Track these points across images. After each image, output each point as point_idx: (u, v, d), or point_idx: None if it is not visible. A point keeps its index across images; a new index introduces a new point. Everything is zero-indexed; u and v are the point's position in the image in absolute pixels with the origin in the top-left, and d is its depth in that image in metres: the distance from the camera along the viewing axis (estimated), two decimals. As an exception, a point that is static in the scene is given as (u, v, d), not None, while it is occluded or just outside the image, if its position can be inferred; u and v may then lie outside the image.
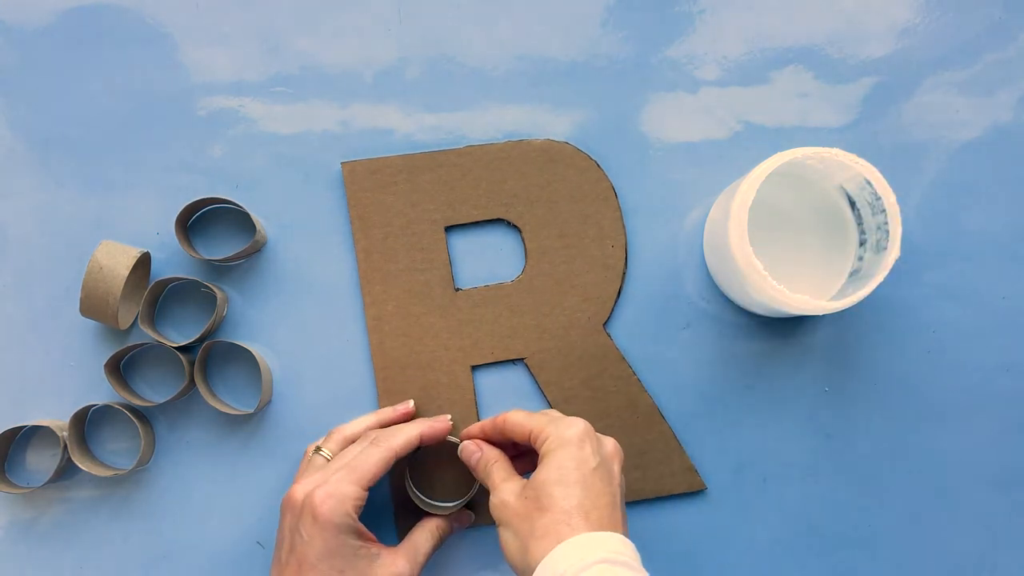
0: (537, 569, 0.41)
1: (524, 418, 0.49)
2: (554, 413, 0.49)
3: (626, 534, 0.45)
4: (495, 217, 0.57)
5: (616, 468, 0.46)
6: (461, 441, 0.52)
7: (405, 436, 0.49)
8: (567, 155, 0.58)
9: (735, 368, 0.58)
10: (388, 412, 0.54)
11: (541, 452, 0.46)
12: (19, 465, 0.56)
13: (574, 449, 0.45)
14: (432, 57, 0.59)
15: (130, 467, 0.54)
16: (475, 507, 0.55)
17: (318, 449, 0.51)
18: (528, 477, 0.47)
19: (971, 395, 0.57)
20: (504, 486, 0.47)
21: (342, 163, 0.57)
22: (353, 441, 0.51)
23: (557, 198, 0.57)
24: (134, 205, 0.58)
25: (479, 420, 0.56)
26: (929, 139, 0.59)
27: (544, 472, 0.44)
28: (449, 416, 0.53)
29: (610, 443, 0.47)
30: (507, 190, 0.57)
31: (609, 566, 0.40)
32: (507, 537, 0.45)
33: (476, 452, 0.50)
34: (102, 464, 0.56)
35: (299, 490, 0.47)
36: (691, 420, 0.57)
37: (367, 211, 0.57)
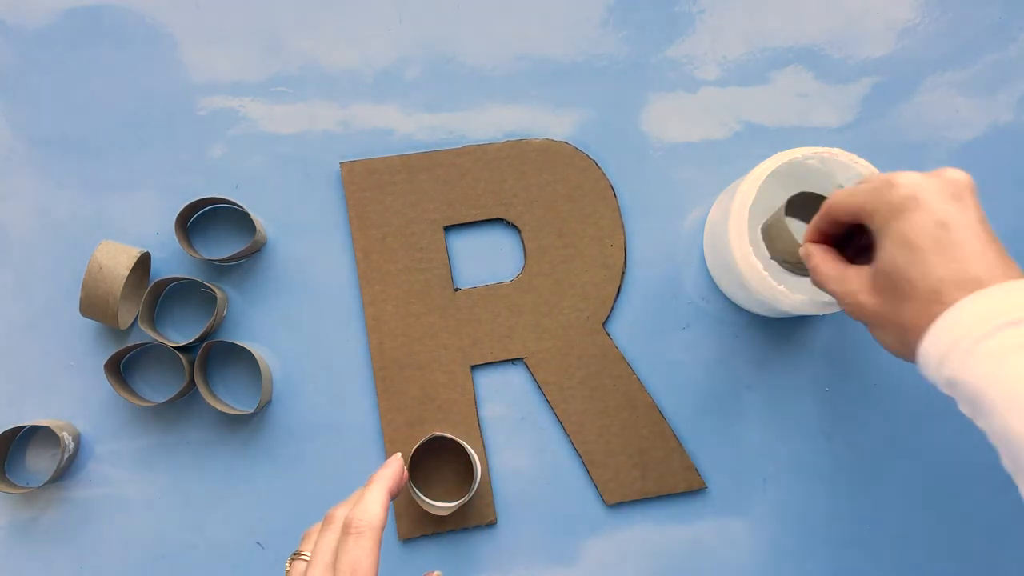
0: (921, 350, 0.36)
1: (846, 196, 0.40)
2: (877, 177, 0.40)
3: (1018, 271, 0.36)
4: (494, 217, 0.57)
5: (969, 198, 0.38)
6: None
7: (381, 507, 0.41)
8: (566, 155, 0.58)
9: (735, 368, 0.58)
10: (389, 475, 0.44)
11: (876, 232, 0.39)
12: (19, 465, 0.56)
13: (909, 214, 0.37)
14: (432, 57, 0.59)
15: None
16: (475, 507, 0.55)
17: (298, 555, 0.43)
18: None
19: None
20: (846, 286, 0.40)
21: (341, 163, 0.57)
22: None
23: (556, 198, 0.57)
24: (134, 205, 0.58)
25: (478, 420, 0.56)
26: (929, 139, 0.59)
27: (887, 254, 0.38)
28: (399, 454, 0.46)
29: (950, 175, 0.38)
30: (506, 190, 0.57)
31: (1015, 329, 0.33)
32: (878, 335, 0.40)
33: (809, 255, 0.43)
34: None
35: None
36: (691, 420, 0.57)
37: (366, 211, 0.57)
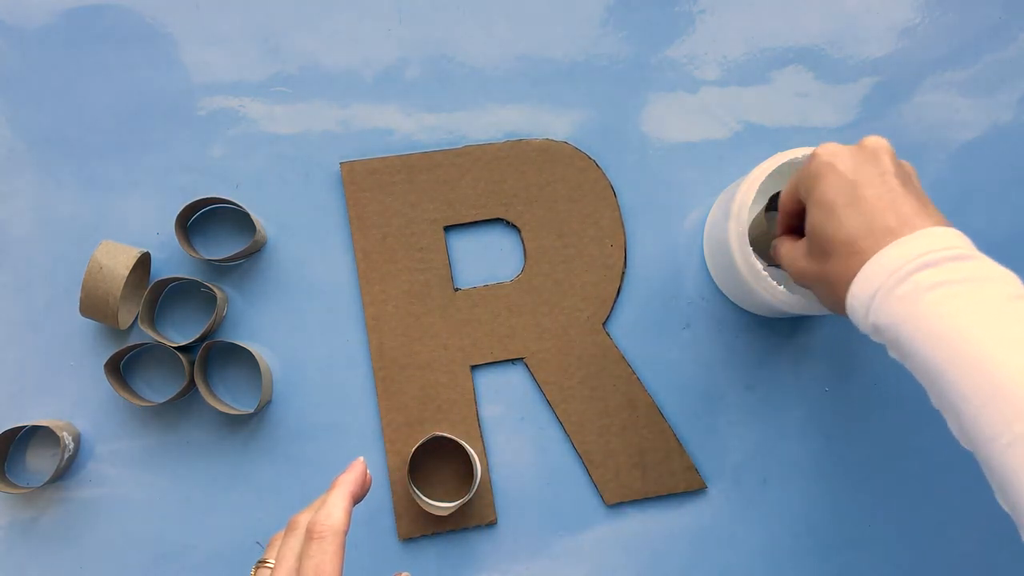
0: (847, 305, 0.39)
1: (790, 180, 0.44)
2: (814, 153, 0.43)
3: (938, 219, 0.39)
4: (494, 217, 0.57)
5: (885, 158, 0.40)
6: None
7: (343, 511, 0.41)
8: (566, 155, 0.58)
9: (735, 368, 0.57)
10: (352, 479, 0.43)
11: (805, 203, 0.42)
12: (19, 465, 0.56)
13: (824, 179, 0.40)
14: (432, 57, 0.59)
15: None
16: (475, 507, 0.55)
17: (262, 563, 0.43)
18: None
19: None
20: (788, 255, 0.44)
21: (341, 163, 0.57)
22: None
23: (556, 198, 0.57)
24: (134, 205, 0.58)
25: (478, 420, 0.56)
26: (929, 139, 0.59)
27: (810, 218, 0.41)
28: (361, 458, 0.44)
29: (867, 142, 0.41)
30: (506, 190, 0.57)
31: (927, 271, 0.36)
32: (819, 295, 0.43)
33: (776, 247, 0.47)
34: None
35: None
36: (691, 420, 0.57)
37: (366, 211, 0.57)
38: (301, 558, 0.39)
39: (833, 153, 0.41)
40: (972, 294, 0.36)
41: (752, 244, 0.49)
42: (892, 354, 0.39)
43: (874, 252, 0.38)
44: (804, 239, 0.43)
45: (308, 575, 0.38)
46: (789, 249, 0.45)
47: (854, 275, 0.38)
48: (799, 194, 0.43)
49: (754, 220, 0.50)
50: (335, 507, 0.41)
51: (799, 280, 0.44)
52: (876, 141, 0.41)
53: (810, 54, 0.60)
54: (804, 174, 0.42)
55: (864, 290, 0.38)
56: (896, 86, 0.59)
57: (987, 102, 0.59)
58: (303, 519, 0.41)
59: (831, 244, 0.40)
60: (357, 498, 0.42)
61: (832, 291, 0.40)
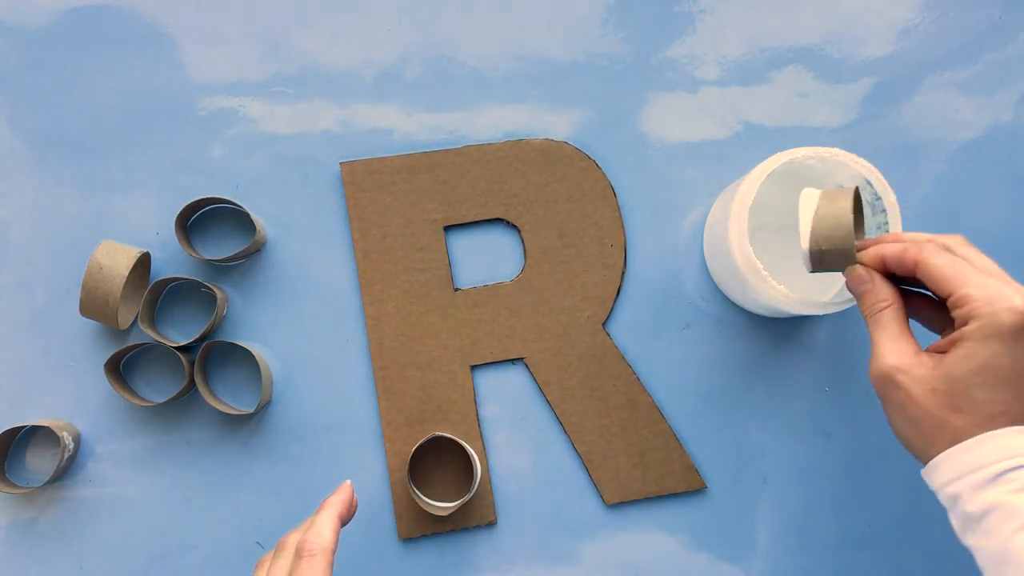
0: (941, 456, 0.37)
1: (946, 270, 0.38)
2: (984, 264, 0.39)
3: None
4: (494, 217, 0.57)
5: None
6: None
7: (331, 531, 0.43)
8: (566, 155, 0.58)
9: (735, 368, 0.57)
10: (340, 500, 0.46)
11: (963, 332, 0.37)
12: (19, 465, 0.56)
13: (1010, 342, 0.36)
14: (432, 57, 0.59)
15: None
16: (475, 507, 0.55)
17: None
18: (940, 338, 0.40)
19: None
20: (894, 353, 0.39)
21: (341, 163, 0.57)
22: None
23: (556, 198, 0.57)
24: (134, 205, 0.58)
25: (478, 420, 0.56)
26: (929, 139, 0.59)
27: (965, 364, 0.37)
28: (349, 481, 0.47)
29: None
30: (506, 190, 0.57)
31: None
32: (899, 421, 0.40)
33: (866, 283, 0.41)
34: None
35: None
36: (691, 420, 0.57)
37: (366, 211, 0.57)
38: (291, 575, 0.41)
39: (1021, 328, 0.36)
40: None
41: (815, 217, 0.43)
42: (953, 521, 0.39)
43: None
44: (930, 360, 0.38)
45: None
46: (906, 351, 0.39)
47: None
48: (957, 306, 0.38)
49: (832, 201, 0.43)
50: (324, 527, 0.43)
51: (888, 389, 0.39)
52: None
53: (810, 54, 0.60)
54: (989, 314, 0.36)
55: (973, 459, 0.36)
56: (896, 86, 0.59)
57: (987, 102, 0.59)
58: (292, 539, 0.43)
59: (975, 407, 0.36)
60: (344, 519, 0.45)
61: (934, 437, 0.38)
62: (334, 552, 0.42)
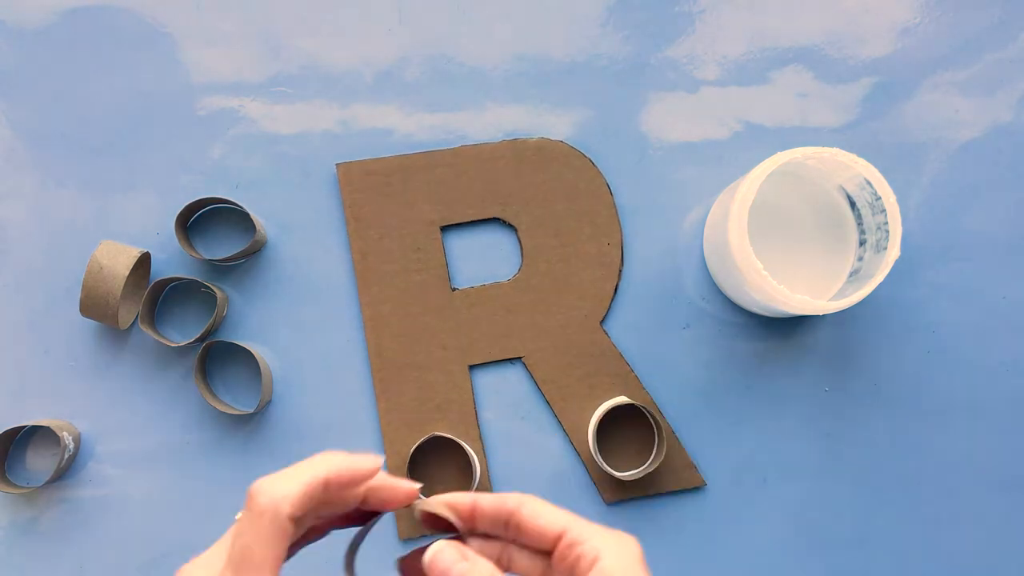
0: None
1: (551, 513, 0.34)
2: (580, 524, 0.34)
3: None
4: (491, 216, 0.57)
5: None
6: (419, 511, 0.35)
7: (299, 486, 0.31)
8: (562, 153, 0.58)
9: (735, 368, 0.57)
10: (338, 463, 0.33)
11: (600, 566, 0.31)
12: (19, 465, 0.56)
13: (646, 570, 0.32)
14: (432, 57, 0.59)
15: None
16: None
17: None
18: None
19: (971, 395, 0.57)
20: None
21: (337, 164, 0.57)
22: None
23: (552, 196, 0.57)
24: (134, 205, 0.58)
25: (477, 420, 0.56)
26: (929, 139, 0.59)
27: None
28: (379, 456, 0.34)
29: (635, 551, 0.33)
30: (502, 189, 0.57)
31: None
32: None
33: (459, 562, 0.32)
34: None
35: None
36: (691, 420, 0.57)
37: (362, 212, 0.57)
38: (234, 532, 0.31)
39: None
40: None
41: None
42: None
43: None
44: None
45: (234, 555, 0.30)
46: None
47: None
48: (554, 555, 0.33)
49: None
50: (288, 478, 0.31)
51: None
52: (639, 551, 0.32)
53: (810, 54, 0.60)
54: (583, 566, 0.31)
55: None
56: (896, 86, 0.59)
57: (987, 102, 0.59)
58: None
59: None
60: (336, 485, 0.32)
61: None
62: (291, 518, 0.30)
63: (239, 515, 0.31)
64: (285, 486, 0.30)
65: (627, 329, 0.57)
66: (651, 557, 0.58)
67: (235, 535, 0.30)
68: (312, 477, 0.31)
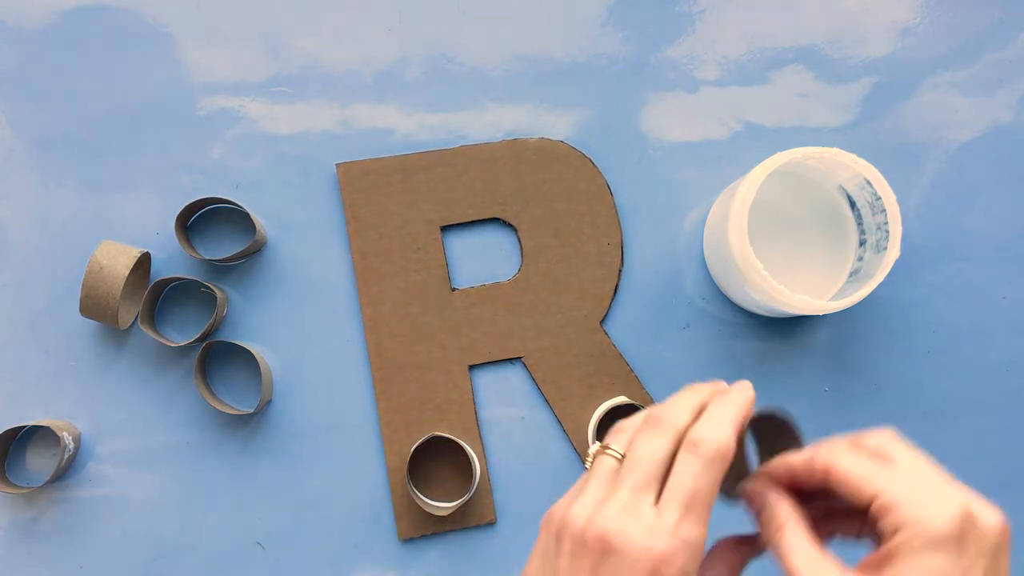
0: None
1: (863, 475, 0.32)
2: (911, 464, 0.33)
3: None
4: (490, 216, 0.57)
5: (1005, 562, 0.32)
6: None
7: (731, 430, 0.32)
8: (562, 153, 0.58)
9: (735, 368, 0.57)
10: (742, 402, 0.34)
11: (891, 545, 0.31)
12: (19, 465, 0.56)
13: (952, 554, 0.30)
14: (432, 57, 0.59)
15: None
16: (474, 507, 0.55)
17: (605, 448, 0.35)
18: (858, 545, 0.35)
19: (971, 395, 0.57)
20: (811, 568, 0.32)
21: (337, 164, 0.57)
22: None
23: (552, 196, 0.57)
24: (134, 205, 0.58)
25: (477, 420, 0.56)
26: (929, 139, 0.59)
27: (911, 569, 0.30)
28: (749, 383, 0.35)
29: (994, 523, 0.32)
30: (502, 189, 0.57)
31: None
32: None
33: (758, 500, 0.35)
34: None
35: (604, 519, 0.31)
36: (691, 420, 0.57)
37: (362, 212, 0.57)
38: (676, 470, 0.31)
39: (965, 530, 0.31)
40: None
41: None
42: None
43: None
44: (845, 571, 0.32)
45: (681, 494, 0.31)
46: (800, 543, 0.33)
47: None
48: (879, 515, 0.32)
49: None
50: (724, 424, 0.32)
51: None
52: (1000, 527, 0.32)
53: (810, 54, 0.60)
54: (919, 522, 0.30)
55: None
56: (896, 86, 0.59)
57: (987, 102, 0.59)
58: (669, 417, 0.33)
59: None
60: (739, 431, 0.33)
61: None
62: (728, 465, 0.31)
63: (591, 454, 0.34)
64: (724, 432, 0.32)
65: (627, 329, 0.57)
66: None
67: (680, 473, 0.31)
68: (738, 420, 0.33)
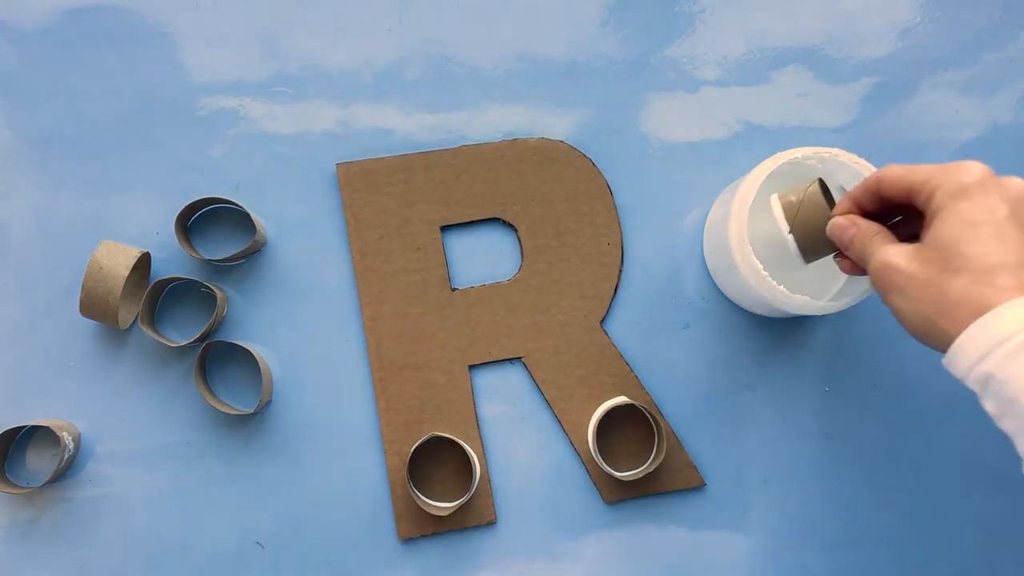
0: (963, 337, 0.35)
1: (904, 171, 0.40)
2: (935, 165, 0.40)
3: None
4: (491, 216, 0.58)
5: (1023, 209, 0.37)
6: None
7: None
8: (562, 153, 0.58)
9: (735, 368, 0.57)
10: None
11: (932, 208, 0.38)
12: (19, 465, 0.56)
13: (978, 196, 0.37)
14: (432, 57, 0.59)
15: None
16: (474, 506, 0.55)
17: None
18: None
19: (971, 395, 0.57)
20: (889, 249, 0.39)
21: (336, 164, 0.57)
22: None
23: (552, 196, 0.57)
24: (134, 205, 0.58)
25: (477, 420, 0.56)
26: (929, 139, 0.59)
27: (944, 228, 0.37)
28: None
29: (1016, 181, 0.38)
30: (502, 189, 0.57)
31: None
32: (904, 305, 0.38)
33: (849, 228, 0.42)
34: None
35: None
36: (691, 420, 0.57)
37: (362, 212, 0.57)
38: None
39: (988, 177, 0.38)
40: None
41: (791, 213, 0.45)
42: (988, 407, 0.37)
43: (1010, 293, 0.35)
44: (910, 245, 0.39)
45: None
46: (884, 236, 0.41)
47: (978, 308, 0.35)
48: (922, 192, 0.39)
49: (803, 193, 0.46)
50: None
51: (888, 277, 0.39)
52: (1021, 188, 0.38)
53: (810, 54, 0.60)
54: (949, 179, 0.38)
55: (988, 335, 0.34)
56: (896, 86, 0.59)
57: (987, 102, 0.59)
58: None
59: (968, 263, 0.36)
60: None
61: (939, 309, 0.37)
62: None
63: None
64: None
65: (627, 329, 0.57)
66: (651, 555, 0.58)
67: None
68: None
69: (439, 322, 0.57)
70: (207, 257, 0.55)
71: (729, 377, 0.57)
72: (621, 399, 0.55)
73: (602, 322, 0.57)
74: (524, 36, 0.60)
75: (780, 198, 0.47)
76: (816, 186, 0.46)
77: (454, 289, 0.57)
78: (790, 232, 0.46)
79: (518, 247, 0.58)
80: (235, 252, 0.55)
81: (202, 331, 0.55)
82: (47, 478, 0.53)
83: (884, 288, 0.40)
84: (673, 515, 0.56)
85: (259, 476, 0.56)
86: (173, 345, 0.54)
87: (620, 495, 0.56)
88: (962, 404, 0.57)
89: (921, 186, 0.39)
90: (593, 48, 0.60)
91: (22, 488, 0.54)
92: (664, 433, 0.54)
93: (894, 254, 0.39)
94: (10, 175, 0.58)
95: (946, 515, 0.57)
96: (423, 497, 0.55)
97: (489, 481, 0.56)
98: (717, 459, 0.57)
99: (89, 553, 0.56)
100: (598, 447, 0.55)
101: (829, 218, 0.44)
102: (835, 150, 0.49)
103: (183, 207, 0.54)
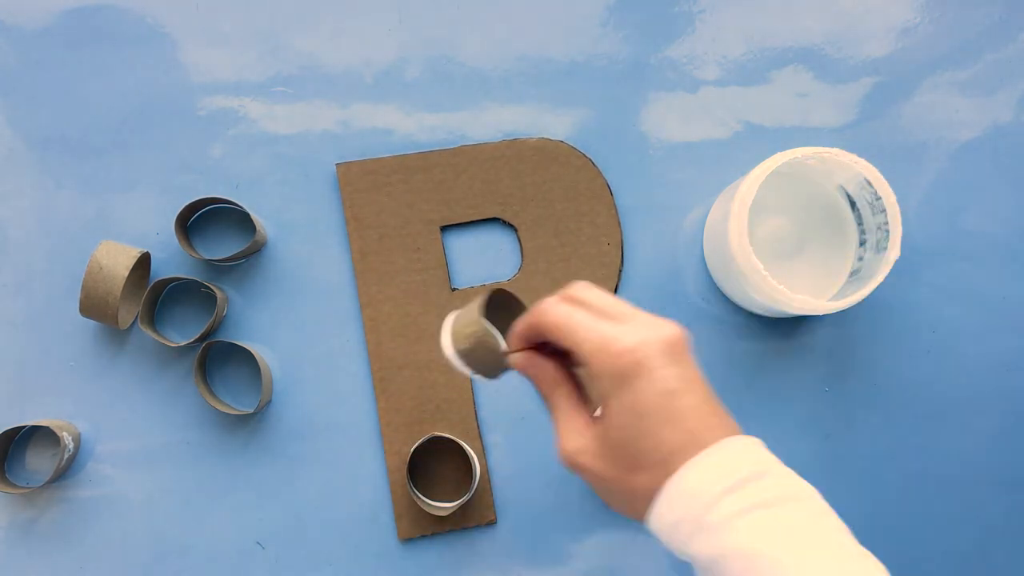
0: (654, 526, 0.35)
1: (561, 320, 0.37)
2: (603, 303, 0.38)
3: (735, 427, 0.36)
4: (490, 216, 0.58)
5: (686, 357, 0.36)
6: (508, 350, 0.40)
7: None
8: (562, 153, 0.58)
9: (735, 368, 0.57)
10: None
11: (601, 390, 0.36)
12: (19, 465, 0.56)
13: (642, 383, 0.34)
14: (432, 57, 0.59)
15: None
16: (474, 507, 0.55)
17: None
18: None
19: (971, 395, 0.57)
20: (570, 434, 0.37)
21: (336, 164, 0.57)
22: None
23: (552, 196, 0.57)
24: (134, 205, 0.58)
25: (477, 420, 0.56)
26: (929, 139, 0.59)
27: (617, 425, 0.35)
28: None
29: (668, 334, 0.36)
30: (502, 189, 0.57)
31: (729, 496, 0.33)
32: (600, 494, 0.38)
33: (529, 368, 0.39)
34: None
35: None
36: (691, 420, 0.57)
37: (362, 212, 0.57)
38: None
39: (640, 350, 0.35)
40: (780, 520, 0.34)
41: (460, 343, 0.40)
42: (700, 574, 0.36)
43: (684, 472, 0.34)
44: (595, 428, 0.37)
45: None
46: (575, 437, 0.37)
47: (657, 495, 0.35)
48: (589, 368, 0.36)
49: (461, 320, 0.41)
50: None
51: (576, 472, 0.38)
52: (676, 333, 0.36)
53: (810, 54, 0.60)
54: (606, 367, 0.35)
55: (667, 517, 0.34)
56: (896, 86, 0.59)
57: (987, 102, 0.59)
58: None
59: (645, 460, 0.35)
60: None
61: (632, 503, 0.36)
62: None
63: None
64: None
65: (627, 329, 0.57)
66: (651, 555, 0.58)
67: None
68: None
69: (439, 322, 0.56)
70: (207, 257, 0.55)
71: (729, 377, 0.57)
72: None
73: (602, 322, 0.57)
74: (524, 36, 0.60)
75: (453, 338, 0.41)
76: (477, 303, 0.40)
77: (454, 289, 0.57)
78: (452, 347, 0.41)
79: (518, 247, 0.58)
80: (235, 252, 0.55)
81: (202, 331, 0.55)
82: (47, 478, 0.53)
83: (577, 475, 0.38)
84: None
85: (259, 476, 0.56)
86: (173, 345, 0.54)
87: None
88: (962, 404, 0.57)
89: (584, 358, 0.36)
90: (593, 48, 0.60)
91: (22, 488, 0.54)
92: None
93: (580, 452, 0.37)
94: (10, 175, 0.58)
95: (946, 514, 0.57)
96: (423, 497, 0.55)
97: (489, 481, 0.56)
98: (717, 459, 0.57)
99: (89, 553, 0.56)
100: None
101: (485, 332, 0.39)
102: (835, 150, 0.49)
103: (183, 207, 0.54)
